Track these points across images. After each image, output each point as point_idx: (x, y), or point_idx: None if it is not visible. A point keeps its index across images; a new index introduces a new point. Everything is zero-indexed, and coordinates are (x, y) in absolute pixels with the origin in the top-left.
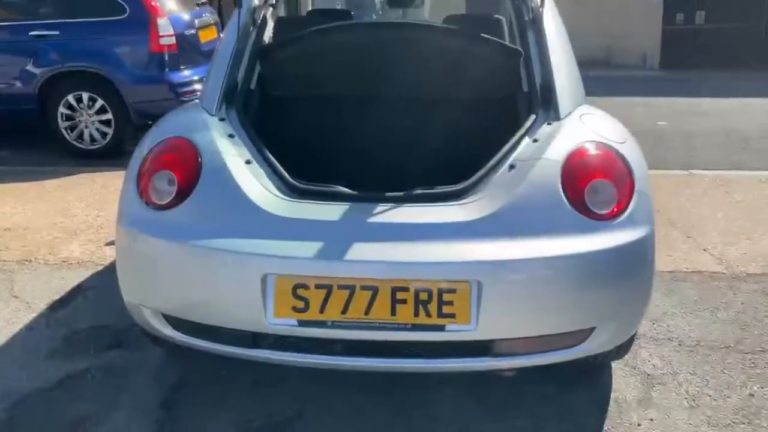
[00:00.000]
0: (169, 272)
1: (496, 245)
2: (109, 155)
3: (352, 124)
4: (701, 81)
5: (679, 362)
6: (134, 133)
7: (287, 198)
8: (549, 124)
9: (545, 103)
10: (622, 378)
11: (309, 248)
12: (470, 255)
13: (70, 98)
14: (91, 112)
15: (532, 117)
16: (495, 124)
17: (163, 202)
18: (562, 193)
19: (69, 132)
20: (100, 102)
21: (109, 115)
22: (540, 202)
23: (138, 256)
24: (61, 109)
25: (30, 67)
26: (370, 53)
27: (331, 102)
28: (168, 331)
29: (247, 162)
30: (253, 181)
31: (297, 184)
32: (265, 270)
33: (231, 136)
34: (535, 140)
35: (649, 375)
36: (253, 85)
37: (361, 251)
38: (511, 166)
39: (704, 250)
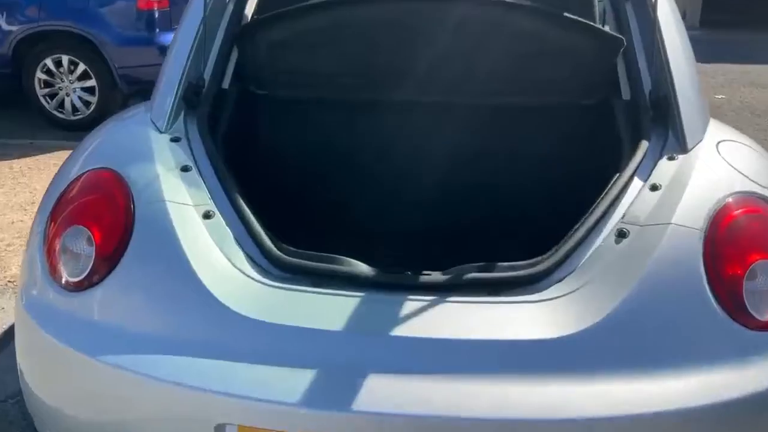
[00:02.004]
0: (74, 400)
1: (608, 386)
2: (94, 127)
3: (370, 145)
4: (746, 43)
5: None
6: (123, 102)
7: (265, 281)
8: (671, 158)
9: (661, 122)
10: None
11: (293, 384)
12: (566, 407)
13: (48, 62)
14: (72, 78)
15: (644, 145)
16: (582, 149)
17: (75, 279)
18: (706, 286)
19: (48, 100)
20: (82, 67)
21: (92, 82)
22: (672, 300)
23: (37, 362)
24: (39, 74)
25: (1, 25)
26: (400, 37)
27: (340, 110)
28: None
29: (207, 215)
30: (212, 249)
31: (282, 255)
32: (219, 418)
33: (186, 168)
34: (654, 187)
35: None
36: (226, 83)
37: (380, 395)
38: (621, 233)
39: None
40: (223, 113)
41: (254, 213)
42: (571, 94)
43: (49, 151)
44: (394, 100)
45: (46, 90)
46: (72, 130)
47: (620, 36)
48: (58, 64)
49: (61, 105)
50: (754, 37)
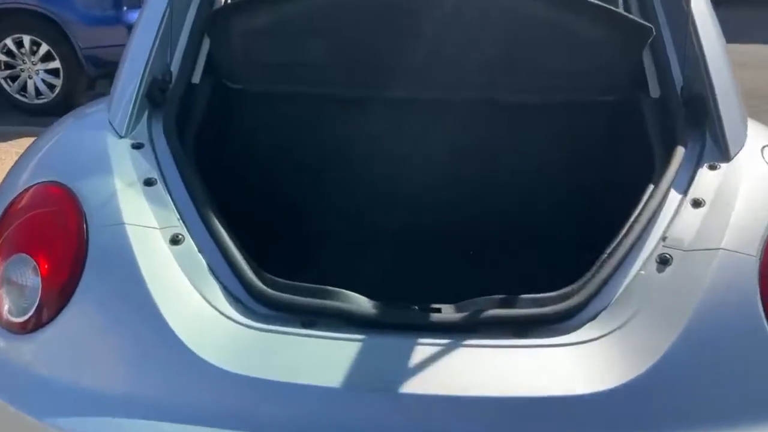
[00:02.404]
0: None
1: None
2: (59, 111)
3: (363, 147)
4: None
5: None
6: (89, 85)
7: (246, 322)
8: (713, 167)
9: (696, 124)
10: None
11: None
12: None
13: (9, 42)
14: (34, 59)
15: (679, 151)
16: (604, 153)
17: (19, 319)
18: (765, 322)
19: (9, 83)
20: (45, 47)
21: (56, 64)
22: (729, 341)
23: None
24: None
25: None
26: (395, 24)
27: (328, 107)
28: None
29: (176, 240)
30: (181, 282)
31: (266, 288)
32: None
33: (149, 182)
34: (696, 203)
35: None
36: (196, 78)
37: None
38: (663, 260)
39: None
40: (193, 112)
41: (232, 235)
42: (590, 89)
43: (11, 138)
44: (389, 96)
45: (7, 72)
46: (35, 115)
47: (648, 24)
48: (20, 44)
49: (24, 88)
50: (756, 14)
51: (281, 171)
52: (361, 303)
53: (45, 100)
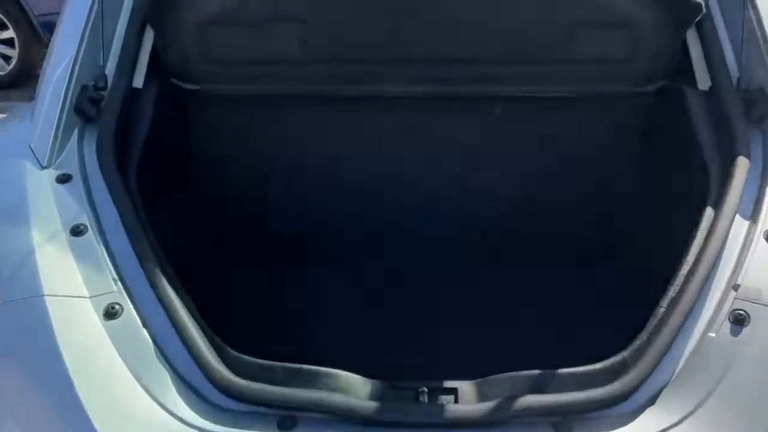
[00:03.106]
0: None
1: None
2: (16, 85)
3: (351, 159)
4: None
5: None
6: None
7: (203, 423)
8: None
9: (757, 126)
10: None
11: None
12: None
13: None
14: None
15: (742, 164)
16: (640, 157)
17: None
18: None
19: None
20: None
21: (10, 33)
22: None
23: None
24: None
25: None
26: (389, 5)
27: (308, 109)
28: None
29: (111, 312)
30: (116, 367)
31: (234, 378)
32: None
33: (78, 230)
34: None
35: None
36: (138, 81)
37: None
38: (738, 318)
39: None
40: (136, 126)
41: (188, 299)
42: (624, 79)
43: None
44: (383, 93)
45: None
46: None
47: (699, 1)
48: None
49: None
50: None
51: (251, 192)
52: (354, 388)
53: (1, 74)
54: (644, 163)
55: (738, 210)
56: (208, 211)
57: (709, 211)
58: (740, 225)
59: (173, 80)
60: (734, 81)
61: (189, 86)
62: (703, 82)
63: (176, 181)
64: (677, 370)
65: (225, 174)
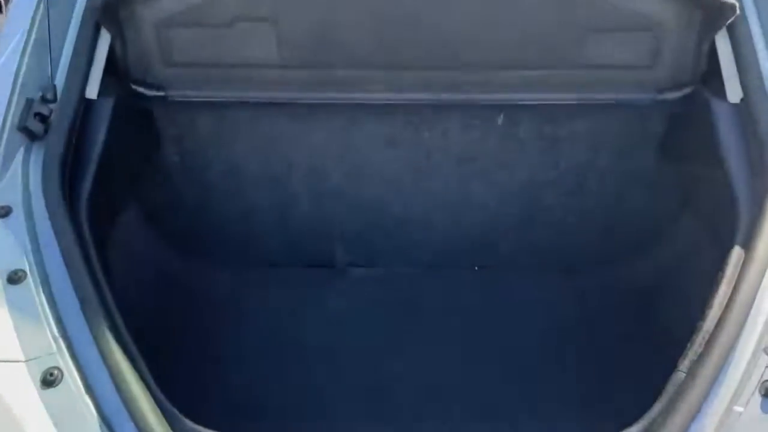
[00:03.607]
0: None
1: None
2: None
3: (340, 175)
4: None
5: None
6: None
7: None
8: None
9: None
10: None
11: None
12: None
13: None
14: None
15: None
16: (654, 174)
17: None
18: None
19: None
20: None
21: None
22: None
23: None
24: None
25: None
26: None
27: (290, 119)
28: None
29: (50, 379)
30: None
31: None
32: None
33: (15, 278)
34: None
35: None
36: (92, 90)
37: None
38: None
39: None
40: (91, 142)
41: (138, 359)
42: (642, 85)
43: None
44: (369, 100)
45: None
46: None
47: (734, 1)
48: None
49: None
50: None
51: (226, 203)
52: None
53: None
54: (660, 178)
55: None
56: (179, 225)
57: (737, 253)
58: None
59: (134, 87)
60: None
61: (152, 93)
62: (734, 93)
63: (140, 198)
64: None
65: (198, 184)
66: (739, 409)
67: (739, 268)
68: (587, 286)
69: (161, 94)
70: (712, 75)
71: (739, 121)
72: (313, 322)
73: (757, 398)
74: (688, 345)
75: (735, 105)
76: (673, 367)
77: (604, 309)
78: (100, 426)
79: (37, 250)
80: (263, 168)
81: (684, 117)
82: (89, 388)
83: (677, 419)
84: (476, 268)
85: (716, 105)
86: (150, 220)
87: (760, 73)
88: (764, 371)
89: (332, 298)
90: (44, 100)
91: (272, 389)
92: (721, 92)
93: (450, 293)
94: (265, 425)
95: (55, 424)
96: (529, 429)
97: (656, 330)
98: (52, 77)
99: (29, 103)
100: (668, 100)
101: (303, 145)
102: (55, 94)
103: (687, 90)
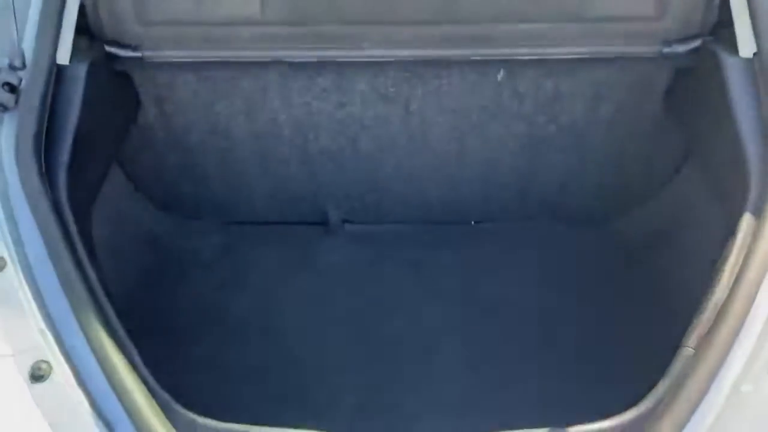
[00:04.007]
0: None
1: None
2: None
3: (326, 140)
4: None
5: None
6: None
7: None
8: None
9: None
10: None
11: None
12: None
13: None
14: None
15: None
16: (658, 132)
17: None
18: None
19: None
20: None
21: None
22: None
23: None
24: None
25: None
26: None
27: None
28: None
29: (38, 374)
30: None
31: None
32: None
33: None
34: None
35: None
36: (64, 54)
37: None
38: None
39: None
40: (65, 110)
41: (130, 348)
42: (649, 37)
43: None
44: (361, 57)
45: None
46: None
47: None
48: None
49: None
50: None
51: (209, 175)
52: None
53: None
54: (662, 133)
55: None
56: (165, 187)
57: (747, 221)
58: None
59: (108, 49)
60: None
61: (128, 54)
62: (747, 47)
63: (122, 162)
64: (705, 431)
65: (182, 145)
66: (747, 388)
67: (749, 240)
68: (585, 239)
69: (138, 54)
70: (723, 27)
71: (751, 77)
72: (307, 279)
73: (766, 376)
74: (695, 319)
75: (747, 59)
76: (671, 320)
77: (602, 262)
78: (94, 420)
79: (15, 233)
80: (249, 127)
81: (692, 71)
82: (80, 381)
83: (684, 398)
84: (473, 222)
85: (727, 59)
86: (134, 184)
87: None
88: None
89: (326, 254)
90: (12, 67)
91: (269, 349)
92: (732, 46)
93: (446, 248)
94: (263, 389)
95: (48, 421)
96: (528, 387)
97: (654, 283)
98: (19, 42)
99: None
100: (675, 54)
101: (289, 103)
102: (23, 61)
103: (695, 43)
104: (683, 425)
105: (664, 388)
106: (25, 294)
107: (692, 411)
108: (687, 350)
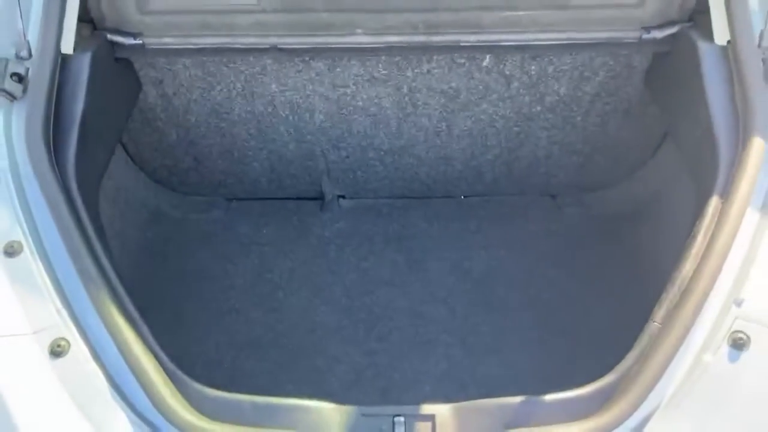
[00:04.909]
0: None
1: None
2: None
3: (323, 118)
4: None
5: None
6: None
7: None
8: None
9: None
10: None
11: None
12: None
13: None
14: None
15: (757, 145)
16: (632, 115)
17: None
18: None
19: None
20: None
21: None
22: None
23: None
24: None
25: None
26: None
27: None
28: None
29: (57, 350)
30: (66, 411)
31: (189, 418)
32: None
33: (11, 250)
34: None
35: None
36: (68, 44)
37: None
38: (737, 341)
39: None
40: (70, 101)
41: (142, 323)
42: (626, 23)
43: None
44: (357, 44)
45: None
46: None
47: None
48: None
49: None
50: None
51: (209, 153)
52: (327, 421)
53: None
54: (642, 113)
55: (749, 205)
56: (167, 165)
57: (714, 202)
58: (751, 221)
59: (110, 37)
60: (756, 38)
61: (129, 41)
62: (721, 35)
63: (126, 143)
64: (665, 399)
65: (182, 125)
66: (707, 358)
67: (715, 220)
68: (570, 212)
69: (139, 42)
70: (700, 14)
71: (725, 64)
72: (304, 252)
73: (725, 348)
74: (663, 294)
75: (722, 47)
76: (648, 289)
77: (585, 234)
78: (111, 392)
79: (30, 219)
80: (247, 108)
81: (670, 56)
82: (96, 356)
83: (650, 368)
84: (462, 197)
85: (702, 46)
86: (138, 163)
87: (748, 15)
88: (733, 323)
89: (322, 228)
90: (18, 59)
91: (267, 321)
92: (708, 33)
93: (437, 221)
94: (261, 359)
95: (68, 393)
96: (512, 357)
97: (633, 257)
98: (25, 33)
99: (4, 62)
100: (655, 39)
101: (286, 86)
102: (29, 51)
103: (674, 29)
104: (647, 393)
105: (631, 359)
106: (42, 276)
107: (656, 379)
108: (654, 325)
